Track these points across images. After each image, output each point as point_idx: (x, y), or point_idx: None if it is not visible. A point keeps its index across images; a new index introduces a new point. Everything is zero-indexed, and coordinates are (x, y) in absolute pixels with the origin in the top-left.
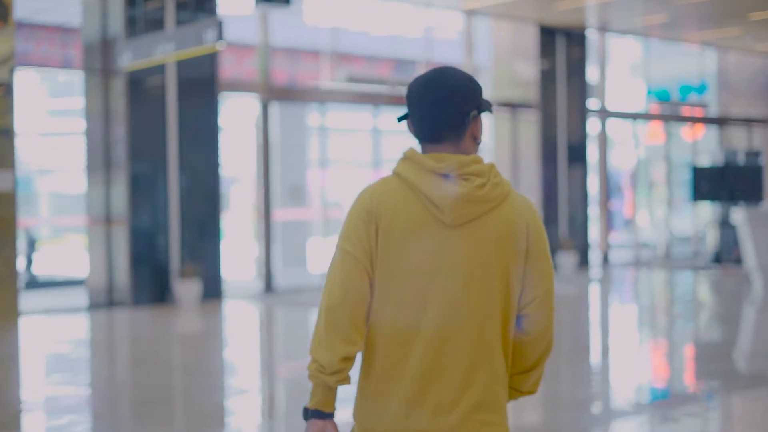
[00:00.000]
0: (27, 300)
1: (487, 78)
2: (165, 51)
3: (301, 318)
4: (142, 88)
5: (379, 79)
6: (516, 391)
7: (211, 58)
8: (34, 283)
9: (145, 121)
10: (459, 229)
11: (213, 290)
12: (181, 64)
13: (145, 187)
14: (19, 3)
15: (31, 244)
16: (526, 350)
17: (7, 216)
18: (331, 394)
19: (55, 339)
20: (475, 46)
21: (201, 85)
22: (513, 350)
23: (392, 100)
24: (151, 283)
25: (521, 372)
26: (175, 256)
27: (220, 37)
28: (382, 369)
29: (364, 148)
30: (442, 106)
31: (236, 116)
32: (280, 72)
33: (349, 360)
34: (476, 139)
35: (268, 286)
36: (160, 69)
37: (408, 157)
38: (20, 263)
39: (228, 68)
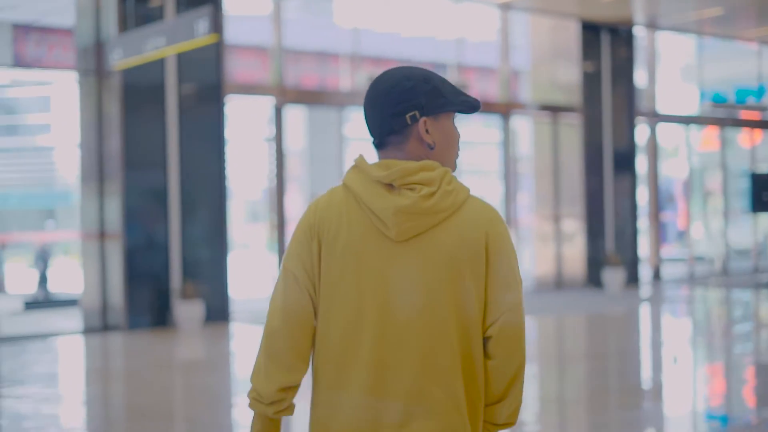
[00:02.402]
0: (23, 321)
1: (526, 80)
2: (156, 46)
3: None
4: (138, 92)
5: None
6: (491, 424)
7: (217, 59)
8: (36, 303)
9: (142, 127)
10: (406, 244)
11: (218, 312)
12: (183, 65)
13: (142, 199)
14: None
15: (44, 260)
16: (492, 376)
17: None
18: (271, 425)
19: (30, 369)
20: (512, 46)
21: (205, 88)
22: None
23: None
24: (148, 304)
25: (492, 403)
26: (175, 274)
27: (214, 28)
28: (325, 396)
29: None
30: (377, 108)
31: (250, 120)
32: (306, 76)
33: (289, 390)
34: (426, 143)
35: None
36: (159, 71)
37: (356, 166)
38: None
39: (253, 72)
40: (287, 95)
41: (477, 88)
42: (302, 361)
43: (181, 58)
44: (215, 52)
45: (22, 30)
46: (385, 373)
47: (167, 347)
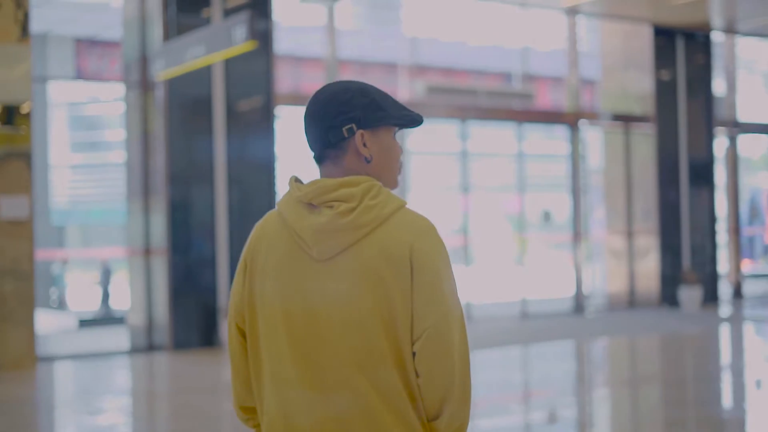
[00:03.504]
0: (73, 340)
1: (596, 89)
2: (196, 55)
3: None
4: (184, 105)
5: (466, 89)
6: None
7: (266, 70)
8: (91, 321)
9: (188, 141)
10: (330, 262)
11: None
12: (231, 77)
13: (188, 215)
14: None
15: (107, 276)
16: (422, 392)
17: (23, 247)
18: None
19: (67, 389)
20: (582, 54)
21: (254, 100)
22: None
23: (482, 114)
24: (194, 323)
25: (431, 419)
26: (223, 292)
27: (251, 35)
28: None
29: (452, 170)
30: (315, 121)
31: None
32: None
33: (253, 410)
34: (363, 156)
35: None
36: (206, 83)
37: (288, 185)
38: (33, 301)
39: (307, 83)
40: None
41: (544, 98)
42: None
43: (229, 69)
44: (265, 63)
45: (84, 44)
46: (324, 397)
47: (212, 369)
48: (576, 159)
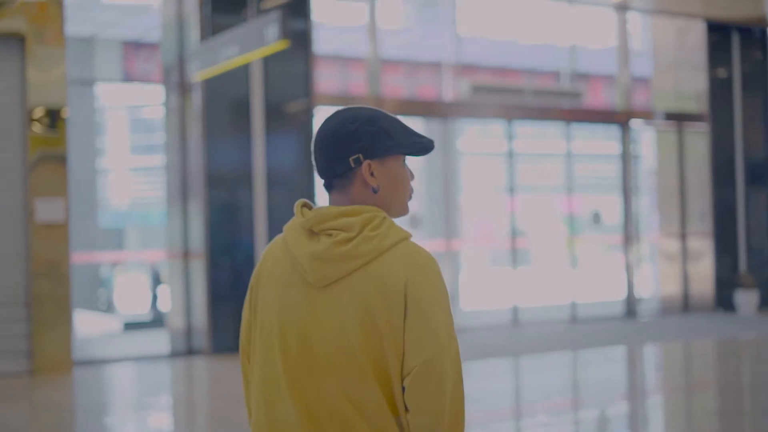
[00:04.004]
0: (115, 343)
1: (648, 87)
2: (230, 55)
3: None
4: (222, 106)
5: (512, 87)
6: None
7: (305, 71)
8: (136, 324)
9: (226, 143)
10: (327, 289)
11: None
12: (270, 78)
13: (226, 217)
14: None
15: (156, 280)
16: (411, 427)
17: (59, 250)
18: None
19: (101, 394)
20: (633, 51)
21: (292, 101)
22: None
23: (529, 113)
24: (233, 327)
25: None
26: None
27: (283, 34)
28: None
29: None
30: (323, 151)
31: None
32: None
33: None
34: (370, 186)
35: None
36: (244, 85)
37: (295, 210)
38: (69, 304)
39: (349, 83)
40: (384, 106)
41: (594, 97)
42: None
43: (268, 70)
44: (304, 64)
45: (131, 47)
46: (315, 426)
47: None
48: (627, 159)
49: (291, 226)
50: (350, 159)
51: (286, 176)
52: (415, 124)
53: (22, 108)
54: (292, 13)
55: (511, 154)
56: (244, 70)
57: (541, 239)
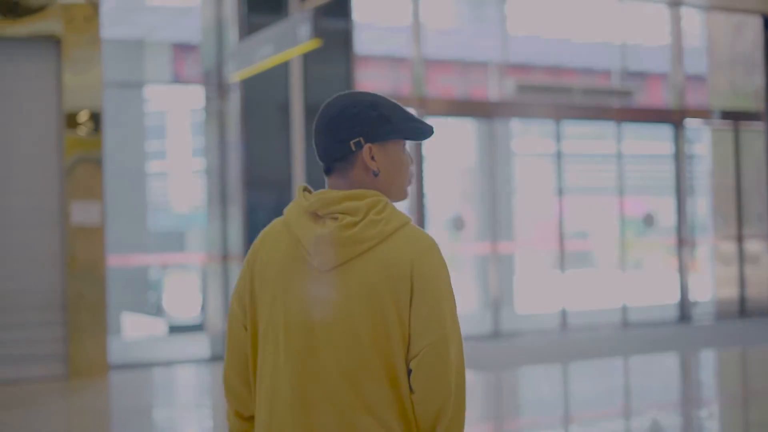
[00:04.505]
0: (158, 347)
1: (702, 86)
2: (265, 55)
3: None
4: (261, 108)
5: (560, 86)
6: None
7: (346, 72)
8: (181, 328)
9: (265, 145)
10: (331, 273)
11: None
12: (310, 79)
13: (265, 220)
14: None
15: (205, 282)
16: (417, 410)
17: (95, 254)
18: None
19: (134, 399)
20: (687, 49)
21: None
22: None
23: (578, 113)
24: None
25: None
26: None
27: (315, 33)
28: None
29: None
30: (324, 134)
31: None
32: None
33: (250, 419)
34: (371, 170)
35: None
36: (284, 86)
37: (297, 194)
38: (105, 308)
39: (393, 83)
40: (428, 107)
41: (645, 95)
42: (252, 393)
43: (308, 70)
44: (345, 64)
45: (180, 48)
46: (308, 410)
47: None
48: (681, 159)
49: (293, 210)
50: (351, 143)
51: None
52: (462, 124)
53: (58, 111)
54: (332, 13)
55: (559, 155)
56: (283, 72)
57: (592, 242)
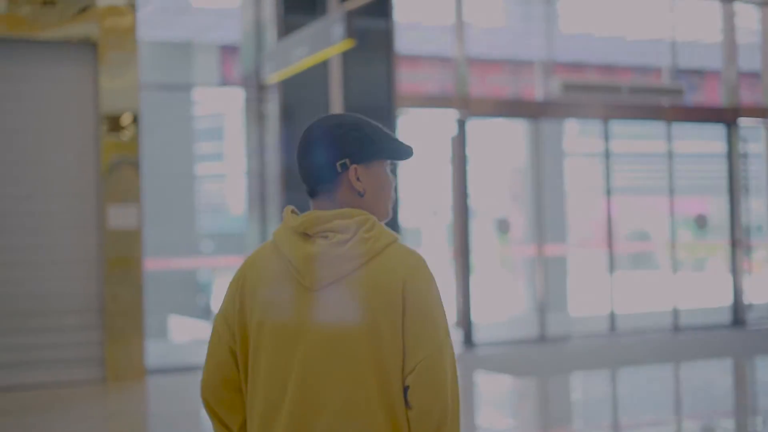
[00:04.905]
0: (203, 351)
1: (757, 83)
2: (300, 56)
3: (501, 386)
4: (300, 110)
5: (607, 85)
6: None
7: (387, 72)
8: None
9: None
10: (322, 291)
11: None
12: (350, 80)
13: None
14: None
15: None
16: (413, 426)
17: (132, 257)
18: None
19: (170, 403)
20: (740, 45)
21: (373, 103)
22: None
23: (626, 112)
24: None
25: None
26: None
27: (348, 33)
28: None
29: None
30: (307, 157)
31: (432, 135)
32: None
33: None
34: (356, 190)
35: (468, 339)
36: (323, 87)
37: (283, 217)
38: (141, 311)
39: (435, 83)
40: (471, 107)
41: (699, 94)
42: (233, 411)
43: (347, 71)
44: (385, 64)
45: (228, 50)
46: (307, 424)
47: None
48: (734, 159)
49: (281, 231)
50: (337, 164)
51: None
52: (507, 124)
53: (96, 114)
54: (372, 13)
55: (607, 155)
56: (323, 73)
57: (643, 243)
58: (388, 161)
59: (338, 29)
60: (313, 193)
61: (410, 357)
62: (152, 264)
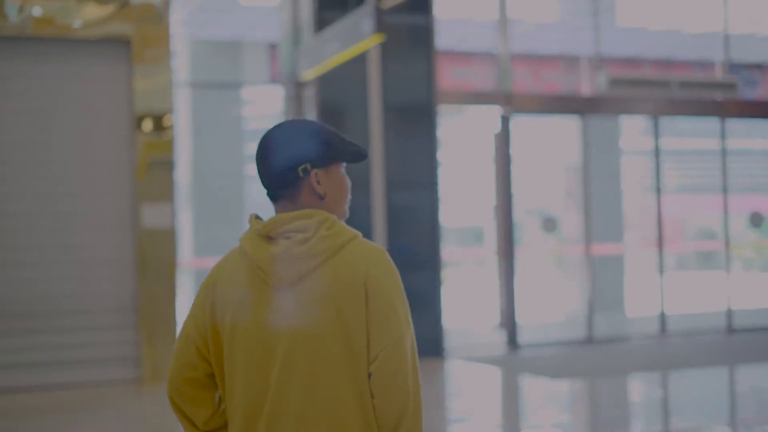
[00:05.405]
0: None
1: None
2: (332, 52)
3: (543, 389)
4: (337, 108)
5: (656, 80)
6: None
7: (427, 67)
8: None
9: None
10: (288, 289)
11: (430, 347)
12: (388, 75)
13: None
14: None
15: None
16: (377, 414)
17: (167, 257)
18: None
19: None
20: None
21: (413, 101)
22: None
23: (676, 108)
24: None
25: None
26: None
27: (377, 28)
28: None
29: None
30: (267, 163)
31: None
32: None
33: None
34: (317, 193)
35: (512, 341)
36: (361, 82)
37: (248, 222)
38: (175, 311)
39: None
40: (515, 103)
41: (758, 88)
42: (197, 406)
43: (386, 67)
44: (425, 60)
45: (276, 48)
46: (280, 424)
47: None
48: None
49: (247, 236)
50: (299, 169)
51: (406, 177)
52: (553, 121)
53: (130, 112)
54: (411, 9)
55: (657, 152)
56: (361, 70)
57: (693, 242)
58: (344, 164)
59: (368, 24)
60: (274, 198)
61: (373, 346)
62: (201, 263)
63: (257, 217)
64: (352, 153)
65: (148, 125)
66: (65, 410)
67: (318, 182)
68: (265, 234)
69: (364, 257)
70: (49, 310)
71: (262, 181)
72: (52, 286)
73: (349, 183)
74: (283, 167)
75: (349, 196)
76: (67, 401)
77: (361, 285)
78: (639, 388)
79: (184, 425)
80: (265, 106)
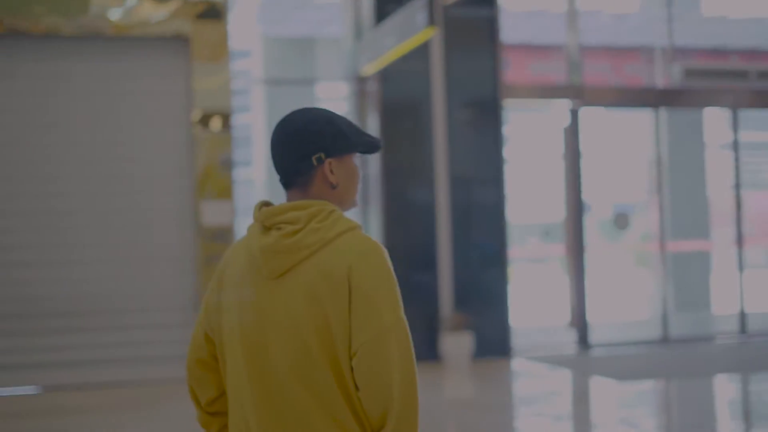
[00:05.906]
0: None
1: None
2: (389, 46)
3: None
4: (400, 104)
5: (734, 70)
6: None
7: (492, 60)
8: None
9: (405, 142)
10: (279, 281)
11: (497, 346)
12: (452, 69)
13: (406, 216)
14: None
15: None
16: (364, 406)
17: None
18: None
19: None
20: None
21: (478, 96)
22: None
23: (755, 100)
24: (414, 334)
25: (376, 431)
26: (445, 300)
27: (430, 20)
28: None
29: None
30: (284, 150)
31: (542, 126)
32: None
33: (214, 415)
34: (330, 183)
35: (583, 341)
36: (424, 81)
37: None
38: None
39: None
40: (585, 96)
41: None
42: (203, 387)
43: (449, 61)
44: (490, 54)
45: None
46: (271, 412)
47: (434, 385)
48: None
49: (251, 225)
50: (313, 158)
51: (470, 173)
52: (625, 114)
53: (189, 110)
54: (476, 1)
55: (736, 146)
56: (424, 64)
57: None
58: (357, 154)
59: (421, 17)
60: (287, 185)
61: (354, 340)
62: None
63: (265, 204)
64: (366, 144)
65: (207, 123)
66: (124, 408)
67: (331, 171)
68: (261, 223)
69: (352, 250)
70: (109, 307)
71: (277, 169)
72: (113, 284)
73: (360, 173)
74: (298, 155)
75: (360, 186)
76: (125, 399)
77: (345, 278)
78: (700, 391)
79: (195, 406)
80: (339, 102)
